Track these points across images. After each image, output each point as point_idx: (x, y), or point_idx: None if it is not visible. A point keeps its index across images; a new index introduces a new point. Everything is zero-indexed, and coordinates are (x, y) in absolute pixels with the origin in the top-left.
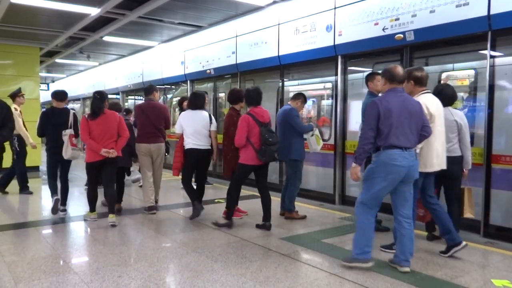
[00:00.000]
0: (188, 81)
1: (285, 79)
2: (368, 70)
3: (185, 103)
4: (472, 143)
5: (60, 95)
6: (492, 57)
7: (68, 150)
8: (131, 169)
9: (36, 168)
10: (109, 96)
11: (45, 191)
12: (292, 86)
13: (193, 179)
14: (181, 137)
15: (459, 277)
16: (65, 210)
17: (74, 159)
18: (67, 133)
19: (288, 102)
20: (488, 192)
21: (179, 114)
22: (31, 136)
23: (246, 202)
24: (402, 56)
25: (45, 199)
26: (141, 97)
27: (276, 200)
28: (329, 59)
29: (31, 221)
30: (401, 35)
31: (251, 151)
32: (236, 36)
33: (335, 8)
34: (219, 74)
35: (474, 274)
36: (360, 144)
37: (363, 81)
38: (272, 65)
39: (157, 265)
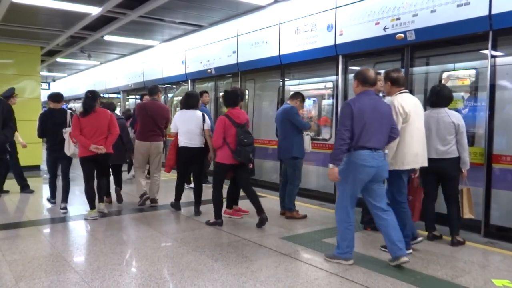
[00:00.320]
0: (189, 81)
1: (286, 79)
2: None
3: None
4: (472, 143)
5: (56, 97)
6: (493, 57)
7: (71, 147)
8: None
9: (37, 167)
10: (110, 95)
11: (46, 190)
12: (293, 86)
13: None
14: (175, 136)
15: (460, 277)
16: (65, 208)
17: (75, 156)
18: (67, 131)
19: (287, 101)
20: (489, 192)
21: None
22: (31, 136)
23: (246, 202)
24: (403, 55)
25: (45, 198)
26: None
27: (276, 199)
28: (330, 59)
29: (32, 220)
30: (402, 35)
31: (227, 151)
32: (237, 35)
33: (336, 7)
34: (220, 74)
35: (475, 274)
36: (336, 145)
37: None
38: (273, 65)
39: (158, 264)
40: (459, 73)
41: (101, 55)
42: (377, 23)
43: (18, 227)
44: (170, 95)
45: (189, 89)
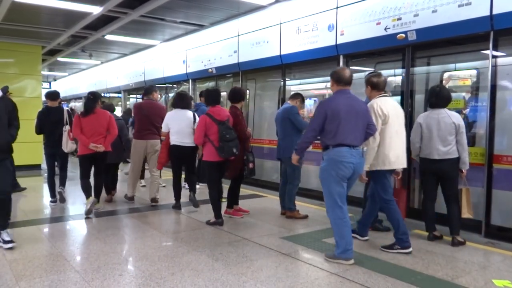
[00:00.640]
0: (190, 80)
1: (286, 79)
2: (370, 70)
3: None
4: (473, 143)
5: (52, 95)
6: (494, 57)
7: (69, 144)
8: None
9: (37, 166)
10: (111, 95)
11: (46, 189)
12: (294, 86)
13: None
14: (167, 135)
15: (460, 277)
16: (62, 190)
17: (72, 152)
18: (66, 129)
19: (287, 101)
20: (490, 192)
21: None
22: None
23: (247, 202)
24: (404, 55)
25: (46, 197)
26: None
27: (276, 199)
28: (330, 59)
29: (32, 219)
30: (403, 35)
31: (212, 148)
32: (238, 35)
33: (337, 7)
34: (221, 73)
35: (475, 274)
36: (302, 140)
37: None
38: (274, 64)
39: (158, 263)
40: (460, 73)
41: (102, 54)
42: (378, 23)
43: (18, 226)
44: (171, 95)
45: (189, 89)
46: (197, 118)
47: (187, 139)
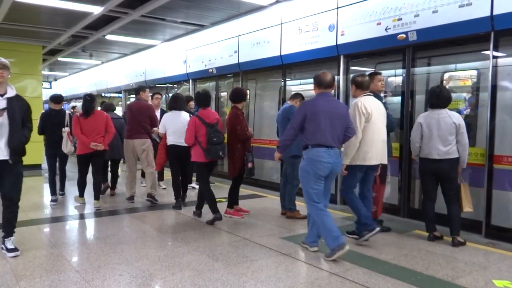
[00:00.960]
0: (190, 80)
1: (287, 79)
2: (370, 70)
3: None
4: (474, 144)
5: (57, 99)
6: (494, 57)
7: (68, 145)
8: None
9: (38, 166)
10: (111, 95)
11: (47, 189)
12: (294, 86)
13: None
14: (164, 136)
15: (460, 278)
16: (63, 194)
17: (71, 153)
18: (66, 130)
19: (287, 101)
20: (490, 193)
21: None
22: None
23: (247, 202)
24: (405, 56)
25: (46, 197)
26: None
27: (276, 199)
28: (331, 59)
29: (33, 219)
30: (404, 35)
31: (199, 150)
32: (239, 35)
33: (337, 7)
34: (221, 73)
35: (475, 274)
36: (282, 139)
37: None
38: (274, 65)
39: (158, 263)
40: (461, 74)
41: (102, 54)
42: (379, 24)
43: (18, 226)
44: (171, 95)
45: (190, 89)
46: None
47: (182, 139)
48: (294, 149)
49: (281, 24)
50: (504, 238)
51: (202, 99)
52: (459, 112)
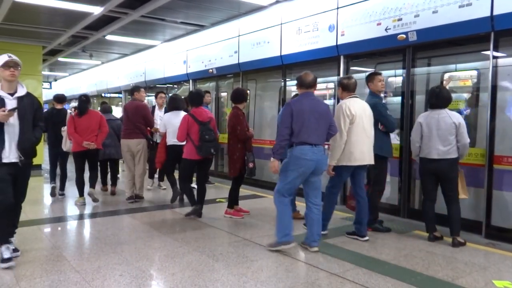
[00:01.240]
0: (191, 80)
1: (287, 79)
2: (370, 70)
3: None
4: (474, 144)
5: (60, 99)
6: (494, 57)
7: (67, 143)
8: None
9: (38, 166)
10: (111, 95)
11: (47, 189)
12: (294, 86)
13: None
14: (164, 135)
15: (460, 278)
16: (63, 195)
17: (70, 150)
18: (65, 129)
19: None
20: (490, 193)
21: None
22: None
23: (247, 202)
24: (405, 56)
25: (47, 197)
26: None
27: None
28: (331, 59)
29: (33, 219)
30: (404, 36)
31: (192, 147)
32: (239, 35)
33: (337, 8)
34: (221, 74)
35: (476, 275)
36: (277, 141)
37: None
38: (274, 65)
39: (158, 264)
40: (461, 74)
41: (102, 54)
42: (379, 24)
43: (19, 226)
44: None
45: (190, 89)
46: None
47: None
48: None
49: (281, 24)
50: (504, 239)
51: (195, 98)
52: (460, 112)
